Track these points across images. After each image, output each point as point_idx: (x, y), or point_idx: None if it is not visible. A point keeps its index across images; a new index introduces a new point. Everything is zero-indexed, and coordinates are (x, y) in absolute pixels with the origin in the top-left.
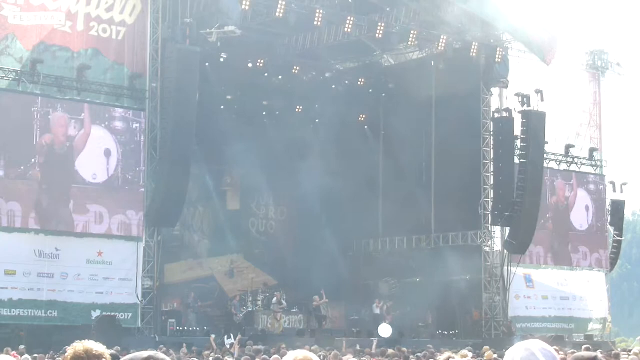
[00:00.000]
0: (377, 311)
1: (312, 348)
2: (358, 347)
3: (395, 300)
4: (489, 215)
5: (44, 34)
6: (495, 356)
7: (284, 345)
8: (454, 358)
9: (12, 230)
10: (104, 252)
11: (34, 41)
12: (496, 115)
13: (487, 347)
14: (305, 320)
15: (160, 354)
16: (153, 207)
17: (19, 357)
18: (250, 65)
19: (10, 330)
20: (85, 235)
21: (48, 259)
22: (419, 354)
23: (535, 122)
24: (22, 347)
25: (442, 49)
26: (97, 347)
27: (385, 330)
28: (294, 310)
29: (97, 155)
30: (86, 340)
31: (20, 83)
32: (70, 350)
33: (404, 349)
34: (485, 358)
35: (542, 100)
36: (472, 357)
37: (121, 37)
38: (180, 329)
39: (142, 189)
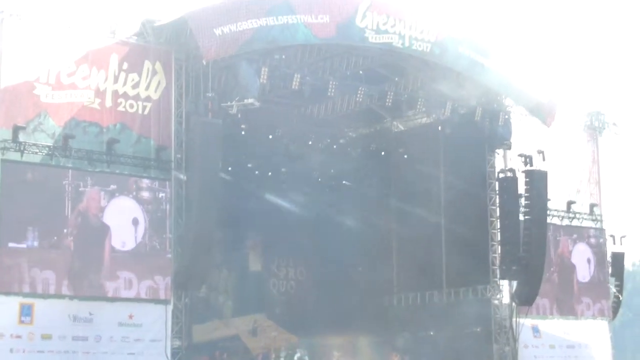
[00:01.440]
0: None
1: None
2: None
3: (411, 353)
4: (497, 269)
5: (74, 111)
6: None
7: None
8: None
9: (47, 297)
10: (135, 315)
11: (65, 118)
12: (501, 175)
13: None
14: None
15: None
16: (180, 271)
17: None
18: (269, 134)
19: None
20: (116, 299)
21: (82, 322)
22: None
23: (537, 181)
24: None
25: (448, 114)
26: None
27: None
28: None
29: (125, 224)
30: None
31: (52, 157)
32: None
33: None
34: None
35: (544, 159)
36: None
37: (147, 112)
38: None
39: (169, 255)
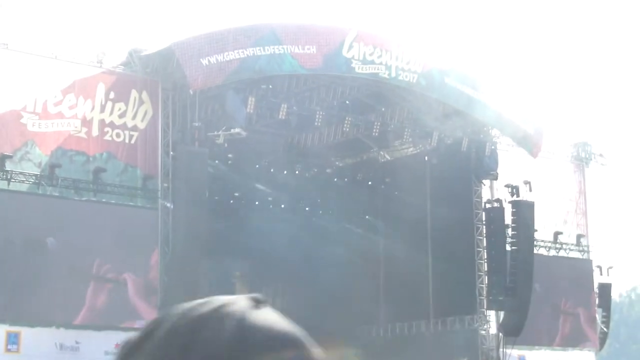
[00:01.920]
0: None
1: None
2: None
3: None
4: (484, 300)
5: (61, 140)
6: None
7: None
8: None
9: (34, 325)
10: (121, 344)
11: (51, 147)
12: (487, 205)
13: None
14: None
15: None
16: (166, 299)
17: None
18: (255, 163)
19: None
20: (103, 327)
21: (69, 351)
22: None
23: (524, 212)
24: None
25: (435, 144)
26: None
27: None
28: None
29: None
30: None
31: (39, 186)
32: None
33: None
34: None
35: (531, 190)
36: None
37: (134, 141)
38: None
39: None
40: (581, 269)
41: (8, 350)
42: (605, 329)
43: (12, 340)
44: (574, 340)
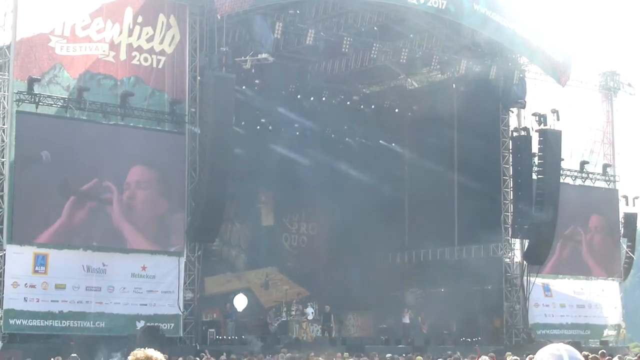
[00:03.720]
0: (407, 320)
1: (344, 355)
2: (388, 356)
3: (421, 309)
4: (509, 228)
5: (89, 64)
6: None
7: (312, 354)
8: None
9: (62, 247)
10: (148, 266)
11: (80, 70)
12: (514, 134)
13: (509, 352)
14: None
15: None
16: (193, 224)
17: None
18: (282, 89)
19: (61, 340)
20: (130, 250)
21: (96, 273)
22: None
23: (551, 140)
24: (73, 355)
25: (463, 72)
26: (156, 355)
27: (240, 302)
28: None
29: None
30: (145, 348)
31: (67, 110)
32: (131, 358)
33: (429, 355)
34: None
35: (558, 119)
36: None
37: (161, 66)
38: (220, 337)
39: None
40: (605, 198)
41: (36, 271)
42: (629, 260)
43: (40, 262)
44: (598, 270)
